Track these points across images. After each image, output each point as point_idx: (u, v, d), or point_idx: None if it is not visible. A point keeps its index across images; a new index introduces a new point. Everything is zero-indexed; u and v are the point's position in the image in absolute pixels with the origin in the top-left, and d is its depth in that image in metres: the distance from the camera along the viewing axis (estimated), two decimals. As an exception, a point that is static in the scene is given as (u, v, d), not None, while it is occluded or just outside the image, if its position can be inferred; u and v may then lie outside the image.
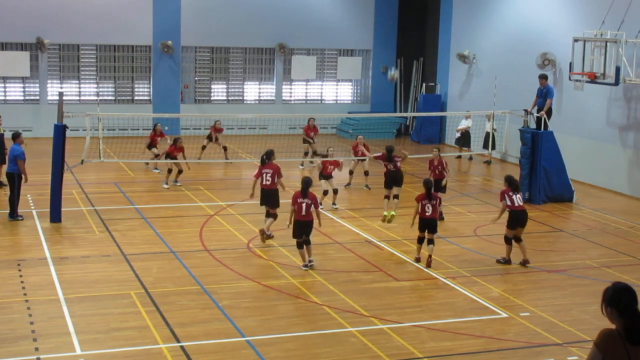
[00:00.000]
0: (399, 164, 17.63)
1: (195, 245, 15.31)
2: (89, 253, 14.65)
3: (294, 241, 15.64)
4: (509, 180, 14.68)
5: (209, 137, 24.14)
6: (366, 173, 21.39)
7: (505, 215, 14.57)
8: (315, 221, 13.96)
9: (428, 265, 14.14)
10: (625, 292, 5.67)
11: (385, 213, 16.94)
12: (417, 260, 14.42)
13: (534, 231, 17.38)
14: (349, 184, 21.26)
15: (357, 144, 21.11)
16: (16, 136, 17.19)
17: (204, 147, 23.94)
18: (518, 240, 14.54)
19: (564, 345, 10.86)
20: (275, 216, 15.43)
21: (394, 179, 17.59)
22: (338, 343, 10.71)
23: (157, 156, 22.58)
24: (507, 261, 14.57)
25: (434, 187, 15.12)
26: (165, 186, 20.49)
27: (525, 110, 20.41)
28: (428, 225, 14.24)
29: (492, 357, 10.49)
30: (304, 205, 13.66)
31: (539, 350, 10.78)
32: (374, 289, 13.04)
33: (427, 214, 14.17)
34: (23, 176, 16.73)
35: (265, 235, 15.36)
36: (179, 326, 11.04)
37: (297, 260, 14.30)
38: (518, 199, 14.42)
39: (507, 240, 14.55)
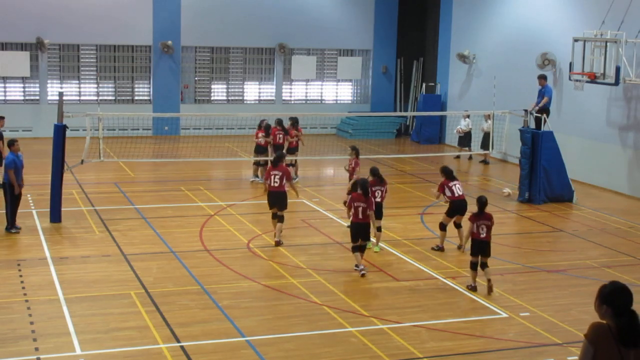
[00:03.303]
0: (384, 193, 15.24)
1: (195, 245, 15.31)
2: (89, 253, 14.65)
3: (294, 241, 15.69)
4: (445, 171, 15.24)
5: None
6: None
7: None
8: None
9: (490, 291, 12.82)
10: (623, 292, 5.68)
11: (370, 246, 14.75)
12: (474, 289, 12.94)
13: (534, 231, 17.39)
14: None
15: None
16: (10, 144, 15.97)
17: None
18: (458, 226, 15.18)
19: (564, 345, 10.87)
20: (282, 219, 15.29)
21: (376, 210, 14.48)
22: (338, 343, 10.71)
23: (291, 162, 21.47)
24: (440, 248, 15.27)
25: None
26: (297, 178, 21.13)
27: (525, 110, 20.41)
28: (483, 248, 12.93)
29: (492, 357, 10.50)
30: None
31: (539, 350, 10.78)
32: (374, 289, 13.05)
33: (481, 235, 12.84)
34: (15, 187, 15.60)
35: (279, 243, 15.30)
36: (179, 326, 11.05)
37: (297, 260, 14.33)
38: (458, 189, 15.00)
39: (443, 227, 15.18)
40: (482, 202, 12.95)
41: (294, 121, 21.75)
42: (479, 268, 12.96)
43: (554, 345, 10.89)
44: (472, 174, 24.57)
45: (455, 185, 15.03)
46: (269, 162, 16.54)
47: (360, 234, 13.70)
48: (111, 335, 10.72)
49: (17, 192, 15.72)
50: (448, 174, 15.14)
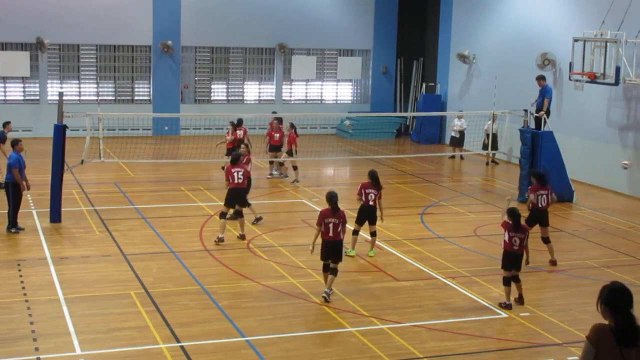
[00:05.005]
0: (378, 199, 14.49)
1: (195, 245, 15.31)
2: (89, 253, 14.65)
3: (294, 241, 15.67)
4: (536, 175, 14.97)
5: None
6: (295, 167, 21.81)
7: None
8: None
9: (521, 303, 12.37)
10: (621, 292, 5.70)
11: (351, 253, 14.60)
12: (508, 307, 12.19)
13: (534, 231, 17.34)
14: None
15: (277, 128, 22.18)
16: (14, 143, 16.10)
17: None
18: (546, 241, 14.68)
19: (564, 345, 10.87)
20: (242, 214, 15.89)
21: (369, 214, 14.55)
22: (338, 343, 10.71)
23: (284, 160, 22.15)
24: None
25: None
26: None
27: (525, 110, 20.40)
28: (516, 262, 12.28)
29: (492, 357, 10.49)
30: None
31: (539, 350, 10.79)
32: (374, 289, 13.04)
33: (514, 247, 12.16)
34: (21, 185, 15.62)
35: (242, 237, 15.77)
36: (179, 326, 11.05)
37: (297, 260, 14.32)
38: (543, 200, 14.53)
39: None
40: (516, 214, 12.15)
41: (291, 124, 22.13)
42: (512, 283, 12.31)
43: (554, 345, 10.89)
44: (472, 174, 24.54)
45: (542, 195, 14.49)
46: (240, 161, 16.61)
47: (331, 253, 12.27)
48: (111, 335, 10.72)
49: (24, 189, 15.81)
50: (539, 179, 14.71)
